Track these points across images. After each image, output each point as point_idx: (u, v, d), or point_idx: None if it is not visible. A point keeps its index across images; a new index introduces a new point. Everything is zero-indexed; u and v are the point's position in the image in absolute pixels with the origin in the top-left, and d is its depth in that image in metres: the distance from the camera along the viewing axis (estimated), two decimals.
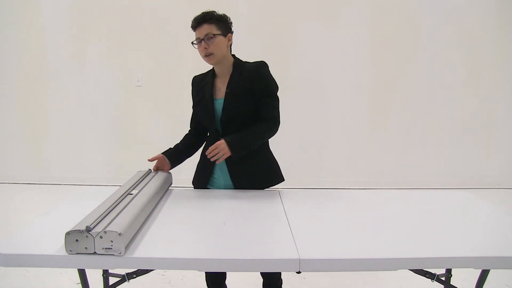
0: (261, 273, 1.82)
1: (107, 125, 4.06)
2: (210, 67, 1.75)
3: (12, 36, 3.95)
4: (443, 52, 3.92)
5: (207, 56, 1.60)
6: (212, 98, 1.68)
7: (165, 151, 1.78)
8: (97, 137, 4.08)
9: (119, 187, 1.52)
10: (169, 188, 1.75)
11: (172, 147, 1.82)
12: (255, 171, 1.72)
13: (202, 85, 1.74)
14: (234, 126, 1.66)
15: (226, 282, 1.95)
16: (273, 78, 1.68)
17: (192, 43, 1.64)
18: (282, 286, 1.88)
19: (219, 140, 1.59)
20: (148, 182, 1.59)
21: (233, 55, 1.71)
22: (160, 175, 1.69)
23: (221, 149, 1.55)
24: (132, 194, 1.45)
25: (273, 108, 1.67)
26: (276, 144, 3.70)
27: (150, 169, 1.76)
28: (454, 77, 3.97)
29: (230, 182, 1.72)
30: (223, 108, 1.65)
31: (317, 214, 1.48)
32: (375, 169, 4.08)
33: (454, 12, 3.87)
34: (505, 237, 1.28)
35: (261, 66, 1.67)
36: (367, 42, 3.91)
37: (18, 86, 4.05)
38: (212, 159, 1.57)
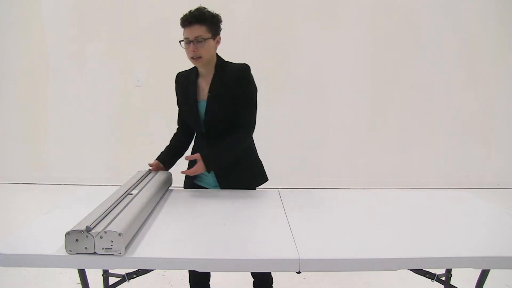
0: (251, 272, 1.82)
1: (107, 125, 4.06)
2: None
3: (12, 36, 3.95)
4: (443, 52, 3.92)
5: (195, 58, 1.57)
6: (195, 100, 1.67)
7: (159, 156, 1.79)
8: (97, 137, 4.08)
9: (119, 187, 1.52)
10: (169, 188, 1.75)
11: (163, 150, 1.81)
12: (241, 172, 1.72)
13: (186, 84, 1.71)
14: (217, 128, 1.66)
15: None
16: (253, 82, 1.65)
17: (180, 41, 1.60)
18: (273, 285, 1.89)
19: (204, 141, 1.68)
20: (148, 182, 1.59)
21: (216, 54, 1.68)
22: (160, 175, 1.69)
23: (198, 168, 1.58)
24: (132, 194, 1.45)
25: (248, 113, 1.65)
26: (277, 144, 3.70)
27: (150, 169, 1.77)
28: (454, 77, 3.97)
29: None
30: (206, 111, 1.64)
31: (317, 214, 1.48)
32: (375, 169, 4.08)
33: (454, 12, 3.87)
34: (505, 237, 1.28)
35: (243, 70, 1.63)
36: (367, 42, 3.91)
37: (18, 86, 4.04)
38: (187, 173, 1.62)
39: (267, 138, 4.03)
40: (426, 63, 3.93)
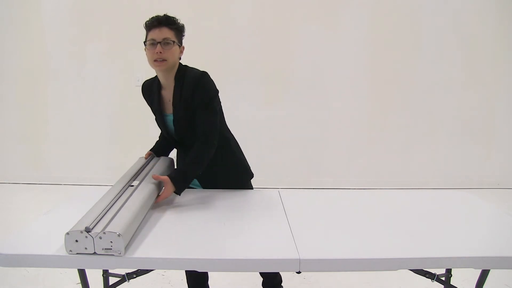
0: (260, 272, 1.83)
1: (107, 125, 4.06)
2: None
3: (12, 36, 3.94)
4: (443, 52, 3.92)
5: (158, 61, 1.51)
6: (162, 114, 1.65)
7: (152, 148, 1.82)
8: (97, 137, 4.08)
9: (120, 177, 1.53)
10: None
11: (155, 144, 1.85)
12: (223, 174, 1.71)
13: (151, 96, 1.71)
14: (190, 137, 1.62)
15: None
16: (212, 87, 1.57)
17: (144, 42, 1.56)
18: (282, 284, 1.89)
19: (182, 150, 1.68)
20: (150, 171, 1.59)
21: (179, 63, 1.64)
22: (162, 163, 1.70)
23: (168, 192, 1.50)
24: (133, 185, 1.45)
25: (206, 122, 1.57)
26: (277, 144, 3.71)
27: (152, 155, 1.79)
28: (454, 77, 3.97)
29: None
30: (174, 125, 1.63)
31: (317, 214, 1.48)
32: (375, 169, 4.08)
33: (454, 12, 3.86)
34: (505, 237, 1.28)
35: (201, 78, 1.56)
36: (367, 42, 3.90)
37: (18, 86, 4.04)
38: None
39: (267, 138, 4.04)
40: (426, 63, 3.93)
